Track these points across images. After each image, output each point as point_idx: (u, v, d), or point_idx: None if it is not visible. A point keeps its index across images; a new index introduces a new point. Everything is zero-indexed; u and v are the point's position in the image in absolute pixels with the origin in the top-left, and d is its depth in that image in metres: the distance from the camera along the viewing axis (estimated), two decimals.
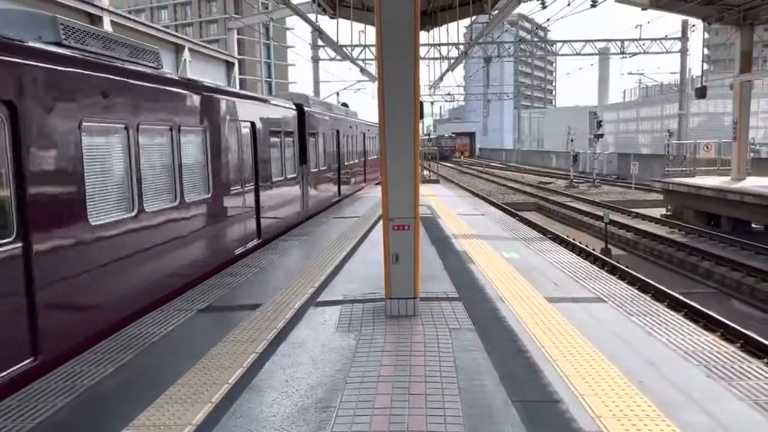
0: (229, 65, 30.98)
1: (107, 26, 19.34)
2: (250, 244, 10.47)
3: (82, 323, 5.84)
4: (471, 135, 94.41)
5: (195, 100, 8.55)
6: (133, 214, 6.65)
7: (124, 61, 6.96)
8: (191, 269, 8.14)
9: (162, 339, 5.84)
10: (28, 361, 4.94)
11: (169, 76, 8.28)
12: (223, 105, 9.49)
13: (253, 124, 10.86)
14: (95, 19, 19.13)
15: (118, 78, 6.53)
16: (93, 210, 5.90)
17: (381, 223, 6.53)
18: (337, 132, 18.98)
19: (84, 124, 5.80)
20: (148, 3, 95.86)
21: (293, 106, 14.07)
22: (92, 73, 6.09)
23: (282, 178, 12.72)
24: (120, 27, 20.57)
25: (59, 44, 5.90)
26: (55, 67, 5.50)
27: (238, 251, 9.88)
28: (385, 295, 6.50)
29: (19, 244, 4.96)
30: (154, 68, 7.68)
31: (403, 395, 4.44)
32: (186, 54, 25.23)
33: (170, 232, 7.55)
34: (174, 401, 4.40)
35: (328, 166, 17.59)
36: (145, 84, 7.11)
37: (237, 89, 14.25)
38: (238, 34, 38.09)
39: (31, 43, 5.35)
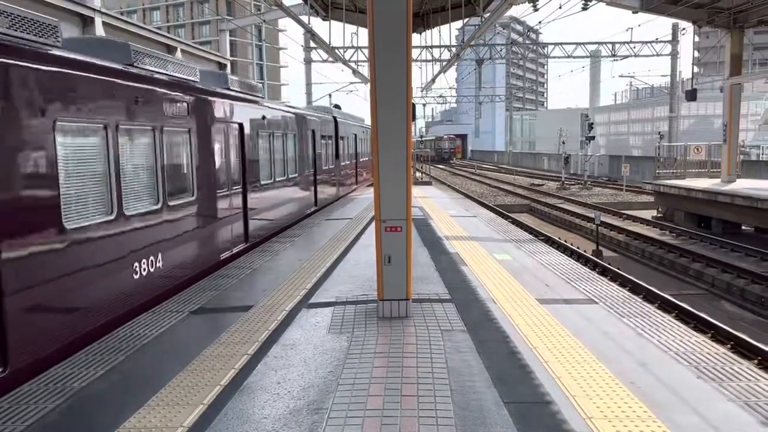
0: (222, 67, 30.95)
1: (99, 27, 19.20)
2: (312, 209, 16.13)
3: (263, 229, 11.61)
4: (463, 137, 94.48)
5: (290, 117, 14.20)
6: (271, 181, 12.18)
7: (256, 95, 11.88)
8: (292, 216, 13.96)
9: (153, 341, 5.81)
10: (242, 243, 10.41)
11: (276, 104, 14.89)
12: (301, 119, 15.09)
13: (313, 131, 16.34)
14: (87, 20, 18.99)
15: (266, 107, 12.14)
16: (261, 177, 11.48)
17: (373, 224, 6.53)
18: (355, 135, 23.98)
19: (259, 132, 11.40)
20: (140, 4, 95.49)
21: (332, 118, 19.61)
22: (259, 106, 11.65)
23: (327, 168, 18.43)
24: (112, 28, 20.45)
25: (227, 89, 10.30)
26: (246, 105, 10.80)
27: (308, 212, 15.62)
28: (377, 296, 6.50)
29: (241, 189, 10.39)
30: (261, 98, 12.44)
31: (395, 397, 4.44)
32: (178, 55, 25.16)
33: (285, 194, 13.33)
34: (165, 403, 4.39)
35: (350, 162, 23.09)
36: (270, 108, 12.57)
37: (309, 108, 20.67)
38: (230, 35, 38.06)
39: (239, 93, 10.65)
